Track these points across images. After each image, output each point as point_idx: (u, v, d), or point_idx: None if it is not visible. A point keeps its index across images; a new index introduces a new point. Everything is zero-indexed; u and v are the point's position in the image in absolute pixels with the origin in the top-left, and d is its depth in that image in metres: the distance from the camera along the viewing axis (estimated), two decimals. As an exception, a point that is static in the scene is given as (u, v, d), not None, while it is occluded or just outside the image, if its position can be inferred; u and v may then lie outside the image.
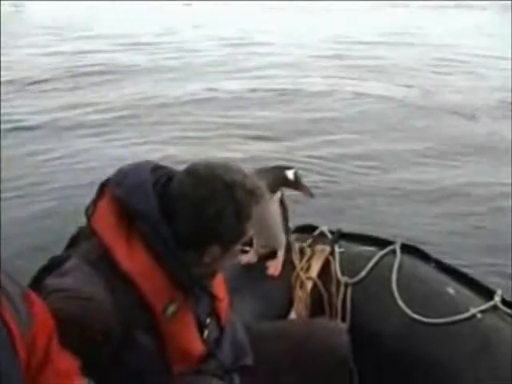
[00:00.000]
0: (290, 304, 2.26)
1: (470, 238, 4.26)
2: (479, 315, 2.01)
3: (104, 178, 1.50)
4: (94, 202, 1.46)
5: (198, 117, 7.12)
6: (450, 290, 2.13)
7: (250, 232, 1.51)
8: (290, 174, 2.18)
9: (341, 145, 6.14)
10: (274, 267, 2.32)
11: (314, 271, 2.32)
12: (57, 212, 4.51)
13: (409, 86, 8.60)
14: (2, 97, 7.70)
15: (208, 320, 1.59)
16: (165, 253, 1.39)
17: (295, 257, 2.37)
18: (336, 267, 2.32)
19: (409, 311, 2.09)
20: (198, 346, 1.52)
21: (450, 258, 2.41)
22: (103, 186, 1.48)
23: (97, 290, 1.35)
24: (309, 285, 2.28)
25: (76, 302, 1.34)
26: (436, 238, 4.12)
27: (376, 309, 2.19)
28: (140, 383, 1.46)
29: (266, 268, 2.32)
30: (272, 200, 2.21)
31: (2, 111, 6.97)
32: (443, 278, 2.21)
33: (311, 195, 2.27)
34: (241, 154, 5.57)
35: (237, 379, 1.66)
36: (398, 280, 2.19)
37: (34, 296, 1.24)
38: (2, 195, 4.63)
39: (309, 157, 5.70)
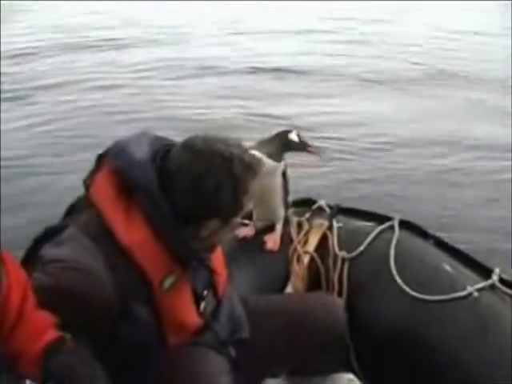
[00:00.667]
0: (286, 278, 2.26)
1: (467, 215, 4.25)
2: (476, 293, 2.00)
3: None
4: (92, 173, 1.45)
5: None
6: (448, 268, 2.12)
7: (249, 206, 1.51)
8: (293, 135, 2.12)
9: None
10: (273, 241, 2.31)
11: (312, 245, 2.31)
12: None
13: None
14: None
15: (205, 292, 1.59)
16: (163, 226, 1.38)
17: (293, 231, 2.36)
18: (334, 242, 2.31)
19: (406, 287, 2.09)
20: (194, 319, 1.53)
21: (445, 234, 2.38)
22: (101, 158, 1.46)
23: (96, 263, 1.35)
24: (306, 259, 2.27)
25: (75, 274, 1.33)
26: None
27: (373, 284, 2.19)
28: (136, 356, 1.47)
29: (263, 242, 2.31)
30: (276, 172, 2.18)
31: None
32: (441, 255, 2.20)
33: (322, 152, 2.23)
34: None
35: (233, 352, 1.67)
36: (395, 256, 2.18)
37: (6, 255, 1.23)
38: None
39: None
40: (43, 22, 10.90)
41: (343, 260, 2.26)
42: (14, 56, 8.35)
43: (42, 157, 5.06)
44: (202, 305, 1.57)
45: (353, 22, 11.39)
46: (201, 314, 1.56)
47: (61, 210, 1.56)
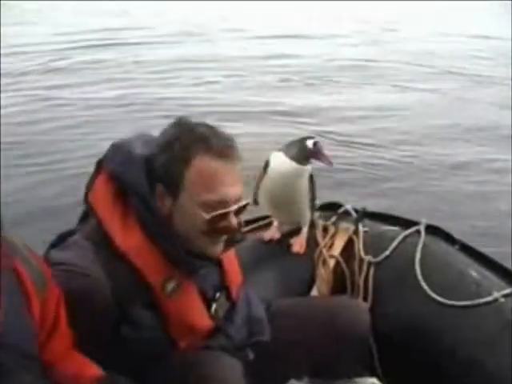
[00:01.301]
0: (311, 281, 2.27)
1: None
2: (502, 299, 1.99)
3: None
4: (92, 178, 1.48)
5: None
6: (474, 273, 2.11)
7: (199, 187, 1.41)
8: (309, 143, 2.17)
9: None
10: (299, 244, 2.32)
11: (337, 249, 2.31)
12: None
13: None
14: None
15: (217, 294, 1.58)
16: (155, 231, 1.40)
17: (319, 234, 2.36)
18: (359, 246, 2.31)
19: (431, 292, 2.08)
20: (203, 321, 1.52)
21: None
22: (100, 163, 1.49)
23: (94, 267, 1.37)
24: (331, 263, 2.27)
25: (75, 277, 1.36)
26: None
27: (398, 289, 2.18)
28: (145, 360, 1.47)
29: (289, 245, 2.32)
30: (302, 174, 2.21)
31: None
32: (467, 260, 2.19)
33: (330, 164, 2.24)
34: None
35: (251, 354, 1.66)
36: (421, 260, 2.17)
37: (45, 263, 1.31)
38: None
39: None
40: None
41: (369, 264, 2.25)
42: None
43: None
44: (213, 307, 1.56)
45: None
46: (212, 317, 1.55)
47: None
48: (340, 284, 2.28)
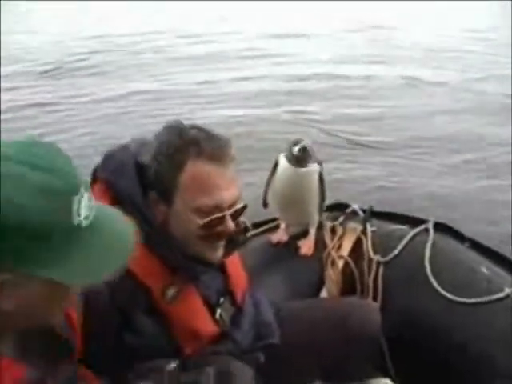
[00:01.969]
0: (321, 283, 2.25)
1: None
2: (514, 295, 1.97)
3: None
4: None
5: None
6: (484, 270, 2.09)
7: (193, 191, 1.38)
8: (295, 149, 2.15)
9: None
10: (308, 247, 2.31)
11: (346, 250, 2.30)
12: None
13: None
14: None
15: (221, 299, 1.56)
16: (155, 238, 1.37)
17: (327, 235, 2.35)
18: (368, 246, 2.30)
19: (442, 290, 2.06)
20: (207, 327, 1.50)
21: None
22: (96, 171, 1.47)
23: None
24: (340, 263, 2.26)
25: None
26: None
27: (408, 288, 2.16)
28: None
29: (297, 247, 2.31)
30: (304, 176, 2.20)
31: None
32: (477, 257, 2.18)
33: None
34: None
35: (261, 358, 1.64)
36: (430, 259, 2.16)
37: None
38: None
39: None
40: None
41: (378, 264, 2.24)
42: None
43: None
44: (218, 312, 1.53)
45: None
46: (217, 322, 1.52)
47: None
48: (349, 285, 2.27)
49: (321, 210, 2.35)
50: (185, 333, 1.45)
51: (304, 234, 2.34)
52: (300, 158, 2.16)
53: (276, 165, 2.24)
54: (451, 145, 5.48)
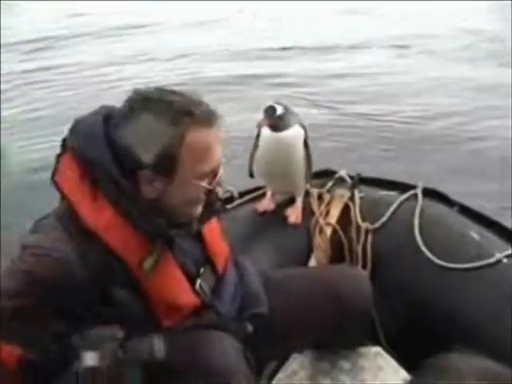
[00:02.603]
0: (309, 251, 2.21)
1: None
2: (505, 260, 1.95)
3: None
4: (58, 157, 1.40)
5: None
6: (474, 235, 2.07)
7: (195, 160, 1.35)
8: (279, 109, 2.09)
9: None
10: (296, 215, 2.26)
11: (334, 217, 2.26)
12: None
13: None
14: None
15: (202, 269, 1.53)
16: (124, 202, 1.33)
17: (314, 203, 2.31)
18: (356, 213, 2.26)
19: (432, 257, 2.04)
20: (187, 298, 1.46)
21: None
22: (65, 140, 1.41)
23: (66, 249, 1.30)
24: (328, 231, 2.22)
25: (45, 260, 1.29)
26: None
27: (398, 254, 2.13)
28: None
29: (283, 215, 2.26)
30: (288, 142, 2.14)
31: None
32: (467, 222, 2.15)
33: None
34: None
35: (250, 328, 1.61)
36: (420, 225, 2.13)
37: None
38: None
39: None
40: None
41: (366, 231, 2.20)
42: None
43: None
44: (198, 283, 1.49)
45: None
46: (197, 293, 1.48)
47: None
48: (338, 252, 2.23)
49: (307, 178, 2.29)
50: (163, 305, 1.41)
51: (291, 201, 2.29)
52: (282, 121, 2.10)
53: (258, 134, 2.17)
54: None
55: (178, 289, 1.45)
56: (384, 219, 2.20)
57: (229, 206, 2.29)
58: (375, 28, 8.48)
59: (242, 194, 2.38)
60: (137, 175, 1.33)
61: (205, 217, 1.49)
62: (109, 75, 6.71)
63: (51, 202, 1.41)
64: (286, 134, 2.12)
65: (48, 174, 1.39)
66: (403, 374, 1.89)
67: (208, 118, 1.35)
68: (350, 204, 2.28)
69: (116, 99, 1.42)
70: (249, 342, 1.56)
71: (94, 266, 1.31)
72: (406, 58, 7.10)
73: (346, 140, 4.82)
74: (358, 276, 1.88)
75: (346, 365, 1.91)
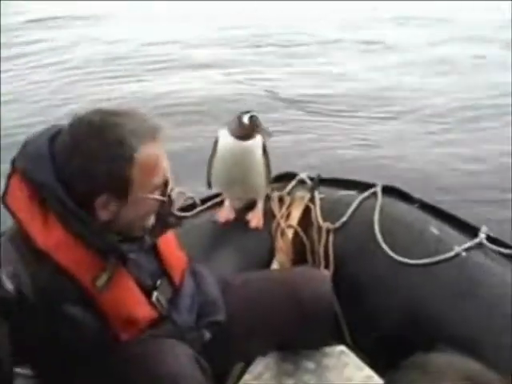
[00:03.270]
0: (271, 254, 2.20)
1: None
2: (464, 253, 1.97)
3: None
4: (8, 178, 1.39)
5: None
6: (434, 230, 2.08)
7: (146, 176, 1.36)
8: (245, 118, 2.10)
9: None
10: (257, 219, 2.25)
11: (295, 219, 2.26)
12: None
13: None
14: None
15: (158, 282, 1.52)
16: (72, 222, 1.32)
17: (274, 206, 2.30)
18: (317, 213, 2.26)
19: (392, 253, 2.05)
20: (143, 311, 1.46)
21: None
22: (14, 161, 1.40)
23: (15, 268, 1.28)
24: (290, 233, 2.22)
25: None
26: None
27: (359, 253, 2.14)
28: (89, 358, 1.41)
29: (245, 220, 2.25)
30: (249, 151, 2.14)
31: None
32: (426, 217, 2.16)
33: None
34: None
35: (207, 335, 1.61)
36: (380, 222, 2.14)
37: None
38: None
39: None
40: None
41: (327, 231, 2.21)
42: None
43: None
44: (154, 295, 1.49)
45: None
46: (154, 306, 1.48)
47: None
48: (300, 254, 2.23)
49: (267, 182, 2.28)
50: (120, 319, 1.41)
51: (251, 206, 2.29)
52: (249, 128, 2.11)
53: (216, 142, 2.17)
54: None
55: (134, 302, 1.45)
56: (344, 219, 2.20)
57: (190, 213, 2.30)
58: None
59: (203, 201, 2.37)
60: (92, 202, 1.34)
61: (158, 230, 1.50)
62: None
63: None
64: (247, 143, 2.13)
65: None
66: (367, 372, 1.88)
67: (152, 134, 1.35)
68: (311, 205, 2.28)
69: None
70: (208, 350, 1.56)
71: (46, 285, 1.30)
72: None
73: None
74: (318, 277, 1.88)
75: (310, 365, 1.90)
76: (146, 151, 1.33)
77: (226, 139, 2.14)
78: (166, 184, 1.41)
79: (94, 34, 8.25)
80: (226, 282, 1.78)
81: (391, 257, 2.04)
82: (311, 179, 2.38)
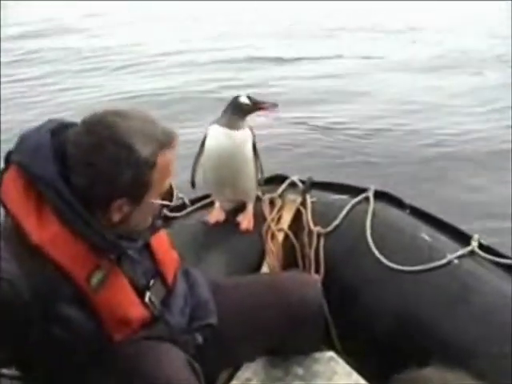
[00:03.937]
0: (261, 257, 2.18)
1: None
2: (456, 261, 1.95)
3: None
4: (2, 173, 1.36)
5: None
6: (426, 237, 2.07)
7: (164, 181, 1.38)
8: (243, 98, 2.10)
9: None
10: (248, 221, 2.23)
11: (286, 222, 2.24)
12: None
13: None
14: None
15: (152, 282, 1.50)
16: (73, 219, 1.29)
17: (265, 208, 2.28)
18: (308, 217, 2.23)
19: (384, 259, 2.03)
20: (137, 312, 1.44)
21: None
22: (9, 155, 1.36)
23: (9, 268, 1.24)
24: (280, 237, 2.20)
25: None
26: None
27: (350, 258, 2.12)
28: (81, 357, 1.39)
29: (235, 222, 2.23)
30: (240, 141, 2.12)
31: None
32: (418, 224, 2.14)
33: (276, 106, 2.15)
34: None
35: (199, 338, 1.59)
36: (372, 228, 2.12)
37: None
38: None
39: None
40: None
41: (318, 235, 2.19)
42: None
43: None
44: (147, 295, 1.47)
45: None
46: (147, 306, 1.46)
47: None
48: (291, 258, 2.21)
49: (258, 183, 2.26)
50: (114, 319, 1.39)
51: (241, 208, 2.26)
52: (233, 121, 2.09)
53: (204, 139, 2.14)
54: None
55: (128, 302, 1.43)
56: (336, 223, 2.18)
57: (180, 214, 2.27)
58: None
59: (193, 201, 2.35)
60: (110, 204, 1.32)
61: (151, 230, 1.48)
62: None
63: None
64: (236, 132, 2.11)
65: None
66: (356, 378, 1.86)
67: (170, 140, 1.35)
68: (302, 209, 2.26)
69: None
70: (199, 353, 1.55)
71: (41, 282, 1.27)
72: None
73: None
74: (308, 282, 1.86)
75: (299, 371, 1.88)
76: (165, 157, 1.33)
77: (216, 131, 2.11)
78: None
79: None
80: (217, 284, 1.75)
81: (382, 263, 2.02)
82: (303, 182, 2.36)
